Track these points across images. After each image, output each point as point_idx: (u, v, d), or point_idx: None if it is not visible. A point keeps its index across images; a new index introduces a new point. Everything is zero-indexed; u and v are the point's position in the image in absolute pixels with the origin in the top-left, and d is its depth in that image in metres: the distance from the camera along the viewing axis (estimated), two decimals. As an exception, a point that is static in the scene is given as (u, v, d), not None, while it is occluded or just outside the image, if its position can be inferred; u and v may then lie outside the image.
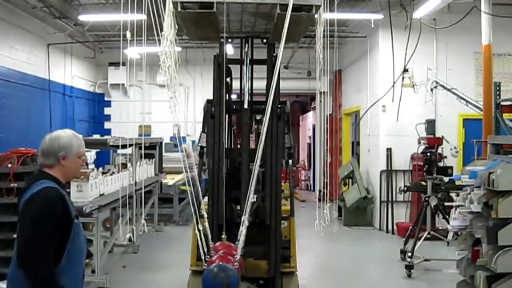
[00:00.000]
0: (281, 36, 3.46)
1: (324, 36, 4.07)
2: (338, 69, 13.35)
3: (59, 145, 2.81)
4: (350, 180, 11.25)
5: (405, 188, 8.13)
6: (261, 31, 4.64)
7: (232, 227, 3.91)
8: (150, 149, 8.95)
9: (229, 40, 4.80)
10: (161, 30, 3.52)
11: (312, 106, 17.55)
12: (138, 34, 4.76)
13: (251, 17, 4.17)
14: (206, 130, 4.66)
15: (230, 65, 4.78)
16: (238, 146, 5.19)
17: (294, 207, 5.03)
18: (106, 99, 14.30)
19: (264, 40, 4.66)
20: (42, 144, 2.83)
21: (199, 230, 3.49)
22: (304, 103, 19.84)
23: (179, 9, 3.67)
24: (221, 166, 4.50)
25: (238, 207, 4.49)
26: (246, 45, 4.72)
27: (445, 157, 9.03)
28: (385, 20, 8.87)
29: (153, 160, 8.91)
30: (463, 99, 8.62)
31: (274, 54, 4.61)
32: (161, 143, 9.65)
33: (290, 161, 4.82)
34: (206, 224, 3.68)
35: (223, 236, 3.68)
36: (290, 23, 3.45)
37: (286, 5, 3.49)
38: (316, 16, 3.87)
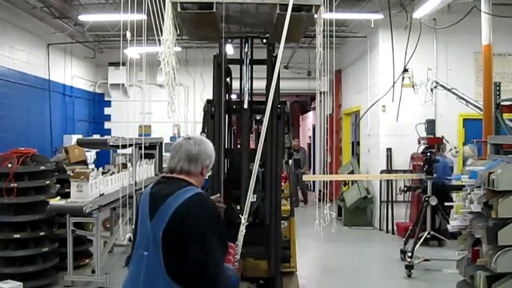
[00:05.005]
0: (281, 36, 3.46)
1: (324, 36, 4.06)
2: (338, 69, 13.35)
3: (207, 153, 2.53)
4: (350, 180, 11.25)
5: (405, 188, 8.14)
6: (261, 31, 4.64)
7: (232, 227, 3.90)
8: (150, 149, 8.93)
9: (229, 40, 4.80)
10: (161, 30, 3.52)
11: (312, 106, 17.55)
12: (138, 34, 4.77)
13: (251, 17, 4.17)
14: (206, 130, 4.66)
15: (230, 65, 4.78)
16: (238, 146, 5.19)
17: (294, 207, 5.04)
18: (106, 99, 14.29)
19: (264, 40, 4.66)
20: (188, 149, 2.51)
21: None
22: (304, 103, 19.84)
23: (178, 9, 3.67)
24: (221, 166, 4.49)
25: (238, 207, 4.49)
26: (246, 45, 4.72)
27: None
28: (385, 20, 8.86)
29: (153, 160, 8.89)
30: (463, 99, 8.61)
31: (274, 54, 4.61)
32: (161, 143, 9.63)
33: (290, 161, 4.82)
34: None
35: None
36: (290, 23, 3.44)
37: (286, 5, 3.49)
38: (316, 16, 3.87)
